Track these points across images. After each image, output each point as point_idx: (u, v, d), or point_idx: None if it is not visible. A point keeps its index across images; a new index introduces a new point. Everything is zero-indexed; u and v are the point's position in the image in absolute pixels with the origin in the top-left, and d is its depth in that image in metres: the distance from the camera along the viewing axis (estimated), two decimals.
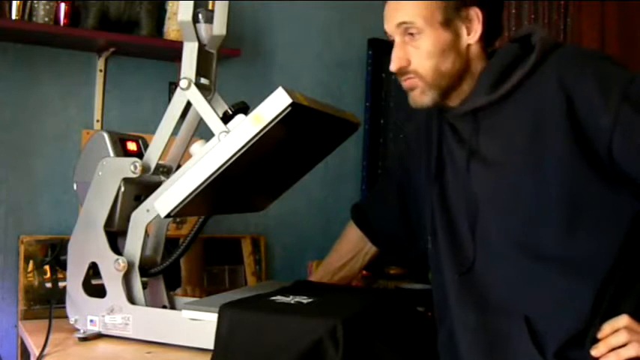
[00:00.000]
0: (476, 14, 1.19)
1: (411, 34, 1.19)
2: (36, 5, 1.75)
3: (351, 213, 1.61)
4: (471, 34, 1.20)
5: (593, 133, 1.11)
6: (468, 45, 1.21)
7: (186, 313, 1.31)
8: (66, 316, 1.43)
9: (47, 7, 1.75)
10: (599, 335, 1.09)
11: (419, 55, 1.19)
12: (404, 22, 1.19)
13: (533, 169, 1.14)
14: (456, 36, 1.20)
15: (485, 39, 1.22)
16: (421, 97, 1.22)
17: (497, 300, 1.17)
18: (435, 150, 1.31)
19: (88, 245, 1.40)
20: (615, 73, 1.14)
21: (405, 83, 1.23)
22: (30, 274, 1.77)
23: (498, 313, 1.16)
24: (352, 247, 1.61)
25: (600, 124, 1.10)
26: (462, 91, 1.23)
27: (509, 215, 1.17)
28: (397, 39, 1.21)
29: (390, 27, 1.22)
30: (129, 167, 1.38)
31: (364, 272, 1.90)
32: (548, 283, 1.13)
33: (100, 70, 1.94)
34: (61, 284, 1.76)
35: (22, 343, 1.66)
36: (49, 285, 1.78)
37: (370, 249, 1.59)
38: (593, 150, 1.11)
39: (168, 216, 1.27)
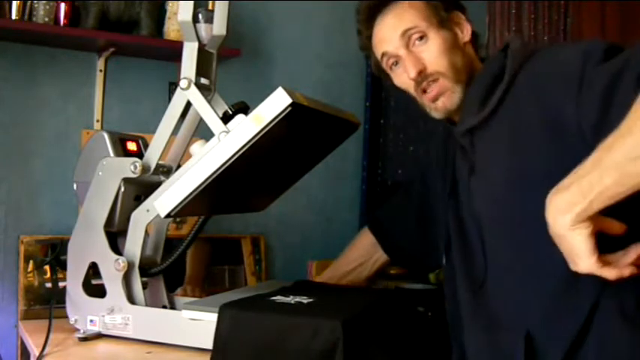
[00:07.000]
0: (459, 16, 1.24)
1: (419, 38, 1.20)
2: (36, 5, 1.75)
3: (368, 222, 1.61)
4: (464, 32, 1.24)
5: (563, 118, 1.06)
6: (465, 43, 1.23)
7: (186, 313, 1.31)
8: (66, 316, 1.43)
9: (47, 7, 1.75)
10: None
11: (432, 56, 1.19)
12: (409, 29, 1.20)
13: (517, 181, 1.12)
14: (454, 34, 1.23)
15: (474, 41, 1.25)
16: (451, 97, 1.20)
17: (506, 318, 1.15)
18: (451, 167, 1.30)
19: (88, 245, 1.40)
20: (573, 57, 1.06)
21: (432, 90, 1.20)
22: (30, 274, 1.77)
23: (505, 331, 1.14)
24: (363, 254, 1.60)
25: (569, 103, 1.04)
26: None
27: (505, 229, 1.15)
28: (403, 52, 1.21)
29: (392, 42, 1.21)
30: (129, 167, 1.38)
31: None
32: (545, 291, 1.10)
33: (100, 70, 1.94)
34: (61, 284, 1.76)
35: (22, 343, 1.66)
36: (49, 285, 1.78)
37: (380, 257, 1.59)
38: (570, 142, 1.05)
39: (168, 216, 1.27)
